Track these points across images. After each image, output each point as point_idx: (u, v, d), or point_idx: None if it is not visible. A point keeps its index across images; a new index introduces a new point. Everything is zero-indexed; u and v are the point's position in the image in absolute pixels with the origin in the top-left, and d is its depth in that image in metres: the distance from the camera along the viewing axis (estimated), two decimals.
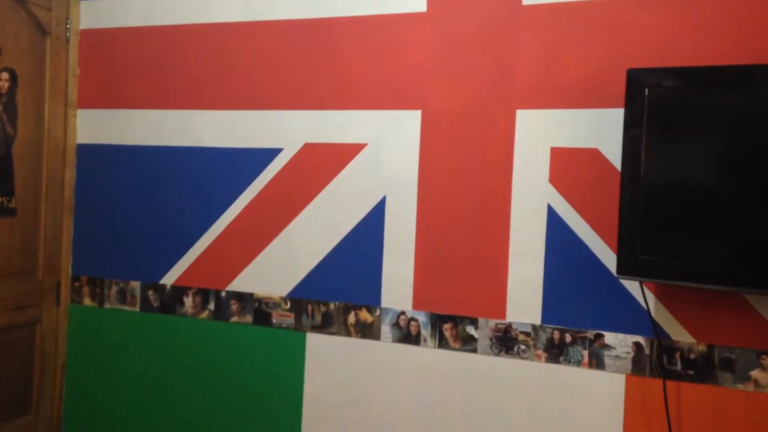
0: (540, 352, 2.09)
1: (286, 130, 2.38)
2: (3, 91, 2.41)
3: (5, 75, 2.41)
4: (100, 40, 2.65)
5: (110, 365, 2.63)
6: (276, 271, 2.40)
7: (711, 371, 1.92)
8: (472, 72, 2.17)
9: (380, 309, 2.27)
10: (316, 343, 2.36)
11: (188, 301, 2.52)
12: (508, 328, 2.13)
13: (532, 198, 2.10)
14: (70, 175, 2.68)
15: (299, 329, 2.38)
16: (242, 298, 2.45)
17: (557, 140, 2.07)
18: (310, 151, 2.36)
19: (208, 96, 2.49)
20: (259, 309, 2.43)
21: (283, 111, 2.39)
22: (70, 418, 2.69)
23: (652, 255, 1.80)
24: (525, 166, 2.11)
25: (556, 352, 2.08)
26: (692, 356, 1.94)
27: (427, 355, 2.22)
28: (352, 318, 2.31)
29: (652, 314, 1.97)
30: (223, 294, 2.47)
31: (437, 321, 2.21)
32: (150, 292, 2.58)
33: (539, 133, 2.09)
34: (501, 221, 2.13)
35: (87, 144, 2.68)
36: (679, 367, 1.95)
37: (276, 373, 2.40)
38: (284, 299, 2.39)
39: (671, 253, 1.79)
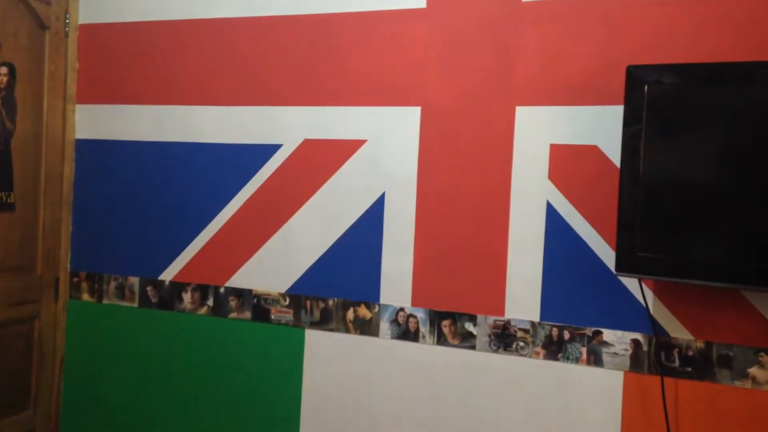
0: (538, 348, 2.10)
1: (286, 125, 2.38)
2: (2, 86, 2.40)
3: (4, 69, 2.40)
4: (99, 34, 2.65)
5: (109, 361, 2.63)
6: (275, 267, 2.40)
7: (709, 368, 1.92)
8: (471, 68, 2.17)
9: (379, 305, 2.27)
10: (314, 339, 2.36)
11: (187, 296, 2.52)
12: (507, 324, 2.13)
13: (531, 195, 2.10)
14: (68, 170, 2.68)
15: (298, 325, 2.38)
16: (241, 294, 2.45)
17: (557, 137, 2.07)
18: (309, 146, 2.36)
19: (207, 91, 2.48)
20: (257, 305, 2.43)
21: (282, 107, 2.39)
22: (68, 413, 2.70)
23: (650, 252, 1.80)
24: (524, 162, 2.11)
25: (554, 349, 2.08)
26: (690, 353, 1.94)
27: (425, 351, 2.22)
28: (350, 314, 2.31)
29: (651, 311, 1.97)
30: (222, 290, 2.47)
31: (436, 317, 2.21)
32: (149, 288, 2.58)
33: (539, 130, 2.09)
34: (500, 218, 2.13)
35: (86, 139, 2.67)
36: (677, 364, 1.95)
37: (275, 370, 2.40)
38: (283, 295, 2.39)
39: (670, 250, 1.79)
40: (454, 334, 2.19)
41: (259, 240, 2.42)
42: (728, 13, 1.90)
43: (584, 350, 2.05)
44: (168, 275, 2.55)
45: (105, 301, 2.64)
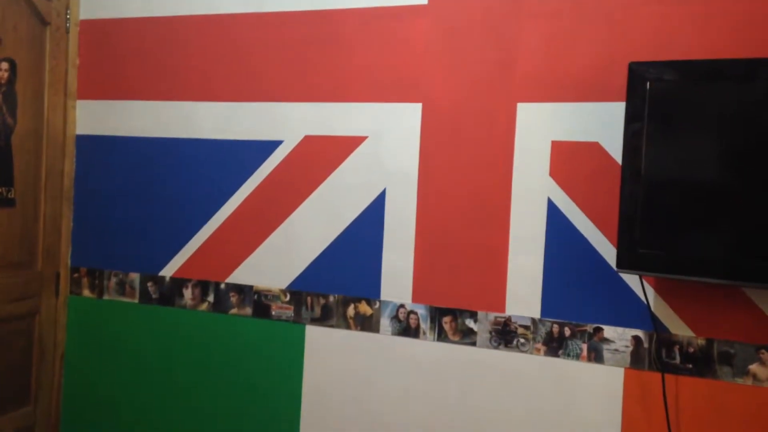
0: (539, 345, 2.10)
1: (287, 122, 2.38)
2: (3, 81, 2.40)
3: (5, 65, 2.40)
4: (99, 30, 2.64)
5: (109, 357, 2.63)
6: (275, 263, 2.40)
7: (710, 365, 1.92)
8: (473, 65, 2.17)
9: (380, 302, 2.27)
10: (315, 335, 2.36)
11: (187, 293, 2.52)
12: (508, 321, 2.13)
13: (532, 191, 2.10)
14: (69, 165, 2.68)
15: (298, 321, 2.38)
16: (242, 290, 2.45)
17: (558, 134, 2.07)
18: (310, 143, 2.35)
19: (208, 87, 2.48)
20: (258, 301, 2.43)
21: (283, 103, 2.38)
22: (68, 409, 2.70)
23: (652, 249, 1.80)
24: (525, 159, 2.11)
25: (555, 345, 2.08)
26: (691, 350, 1.94)
27: (426, 348, 2.22)
28: (351, 310, 2.31)
29: (652, 308, 1.97)
30: (223, 286, 2.47)
31: (437, 314, 2.21)
32: (149, 284, 2.58)
33: (540, 127, 2.09)
34: (501, 214, 2.13)
35: (86, 135, 2.67)
36: (677, 360, 1.95)
37: (275, 366, 2.40)
38: (284, 291, 2.39)
39: (671, 247, 1.79)
40: (455, 331, 2.19)
41: (260, 236, 2.41)
42: (730, 10, 1.89)
43: (585, 347, 2.05)
44: (169, 271, 2.55)
45: (105, 297, 2.64)
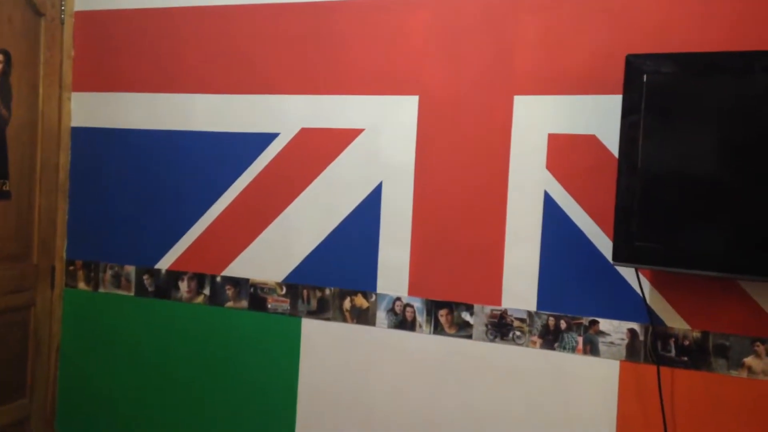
0: (535, 338, 2.10)
1: (283, 114, 2.37)
2: None
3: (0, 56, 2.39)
4: (95, 22, 2.63)
5: (105, 349, 2.63)
6: (272, 256, 2.39)
7: (705, 358, 1.93)
8: (470, 58, 2.16)
9: (376, 295, 2.27)
10: (311, 328, 2.36)
11: (183, 285, 2.52)
12: (504, 314, 2.13)
13: (529, 184, 2.10)
14: (64, 158, 2.66)
15: (295, 314, 2.38)
16: (238, 283, 2.44)
17: (555, 126, 2.07)
18: (306, 135, 2.35)
19: (204, 79, 2.47)
20: (254, 294, 2.42)
21: (279, 95, 2.38)
22: (64, 401, 2.69)
23: (648, 242, 1.80)
24: (522, 152, 2.11)
25: (551, 338, 2.08)
26: (686, 343, 1.95)
27: (422, 341, 2.22)
28: (347, 303, 2.31)
29: (647, 301, 1.97)
30: (219, 279, 2.47)
31: (433, 307, 2.21)
32: (145, 277, 2.57)
33: (537, 120, 2.09)
34: (497, 207, 2.13)
35: (82, 127, 2.66)
36: (673, 353, 1.96)
37: (271, 359, 2.40)
38: (280, 284, 2.39)
39: (667, 240, 1.79)
40: (451, 324, 2.19)
41: (256, 229, 2.41)
42: (728, 3, 1.89)
43: (581, 339, 2.05)
44: (164, 264, 2.54)
45: (101, 290, 2.64)
